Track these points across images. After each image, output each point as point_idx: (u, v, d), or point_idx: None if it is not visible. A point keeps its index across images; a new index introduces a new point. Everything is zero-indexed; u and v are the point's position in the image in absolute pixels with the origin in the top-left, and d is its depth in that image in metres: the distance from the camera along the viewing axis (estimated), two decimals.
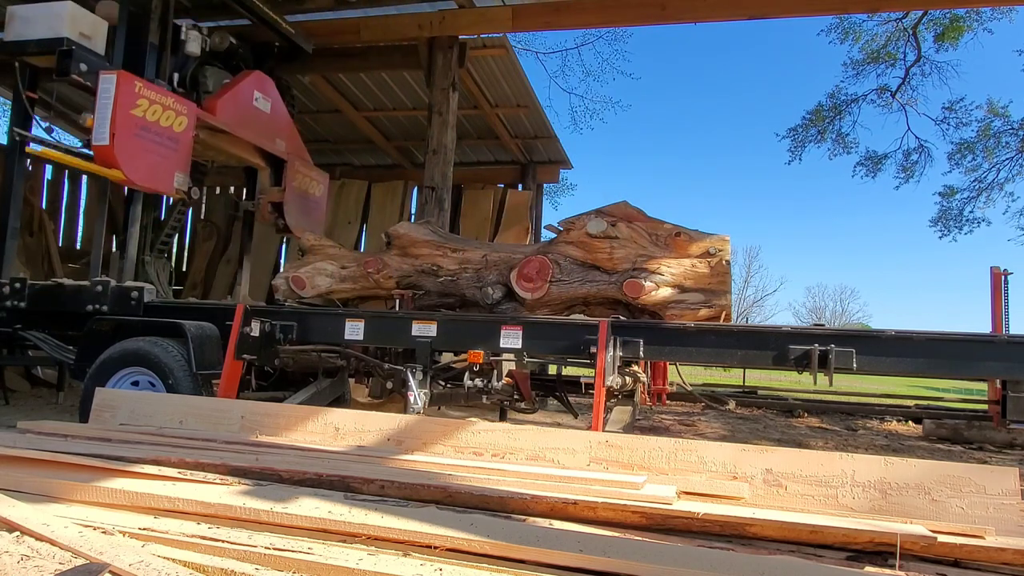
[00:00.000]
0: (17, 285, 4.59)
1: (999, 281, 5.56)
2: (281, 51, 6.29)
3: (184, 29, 5.05)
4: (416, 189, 9.37)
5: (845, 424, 8.13)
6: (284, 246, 9.88)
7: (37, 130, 4.87)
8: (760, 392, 10.30)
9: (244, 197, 6.29)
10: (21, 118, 4.71)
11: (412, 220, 9.46)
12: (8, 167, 4.90)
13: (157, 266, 6.20)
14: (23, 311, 4.55)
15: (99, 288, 4.41)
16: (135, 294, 4.37)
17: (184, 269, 10.22)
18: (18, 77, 4.41)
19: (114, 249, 9.96)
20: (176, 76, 5.07)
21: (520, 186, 9.82)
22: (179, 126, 4.70)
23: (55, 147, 4.54)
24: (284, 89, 6.40)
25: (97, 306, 4.36)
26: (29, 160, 9.03)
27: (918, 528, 1.97)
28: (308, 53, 6.34)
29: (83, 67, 4.24)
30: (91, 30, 4.41)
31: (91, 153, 4.32)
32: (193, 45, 5.10)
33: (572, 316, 3.92)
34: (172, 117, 4.63)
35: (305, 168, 6.28)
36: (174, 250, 10.53)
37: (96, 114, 4.21)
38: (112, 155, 4.19)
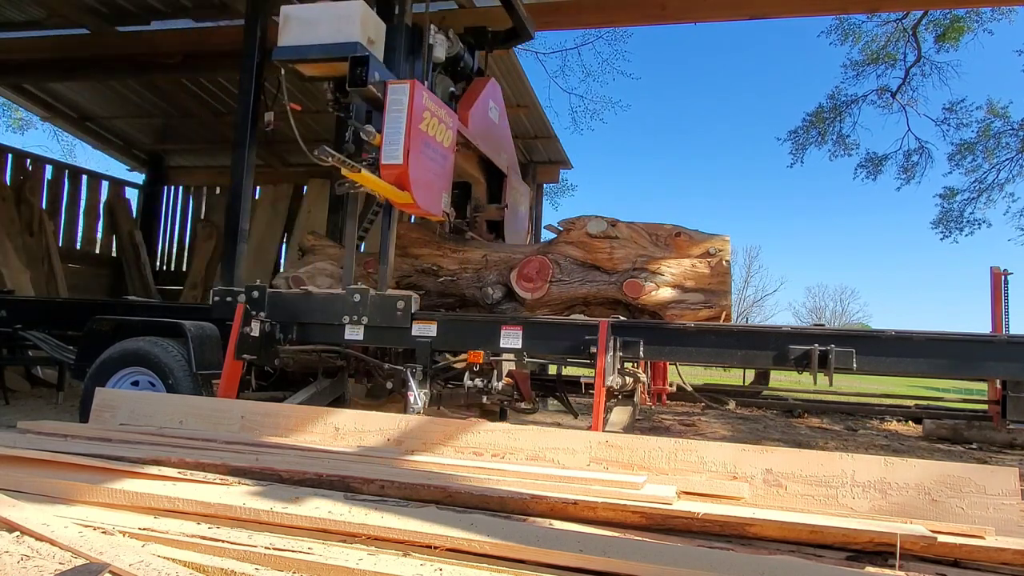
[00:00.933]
0: (255, 294, 4.06)
1: (999, 281, 5.57)
2: (496, 36, 5.35)
3: (432, 31, 4.36)
4: None
5: (845, 424, 8.13)
6: (284, 246, 9.87)
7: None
8: (760, 392, 10.30)
9: (455, 216, 5.13)
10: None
11: (412, 219, 9.48)
12: (234, 201, 4.35)
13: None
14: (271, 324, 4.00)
15: (356, 297, 3.89)
16: (401, 304, 3.83)
17: (184, 269, 10.22)
18: (282, 85, 3.76)
19: (114, 253, 9.98)
20: (426, 84, 4.29)
21: None
22: (447, 140, 4.05)
23: (353, 166, 3.63)
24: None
25: (355, 317, 3.88)
26: (29, 160, 9.09)
27: (918, 528, 1.97)
28: (530, 35, 5.41)
29: (377, 76, 3.62)
30: (376, 35, 3.81)
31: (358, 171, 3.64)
32: (439, 50, 4.43)
33: (572, 316, 3.92)
34: (443, 131, 3.99)
35: (517, 182, 5.51)
36: (174, 250, 10.58)
37: (386, 129, 3.62)
38: (406, 176, 3.60)
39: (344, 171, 3.54)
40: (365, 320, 3.85)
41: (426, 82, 4.19)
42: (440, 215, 4.07)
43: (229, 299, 4.10)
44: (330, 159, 3.45)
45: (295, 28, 3.75)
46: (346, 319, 3.88)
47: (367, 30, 3.68)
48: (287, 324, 4.01)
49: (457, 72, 4.81)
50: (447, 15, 6.28)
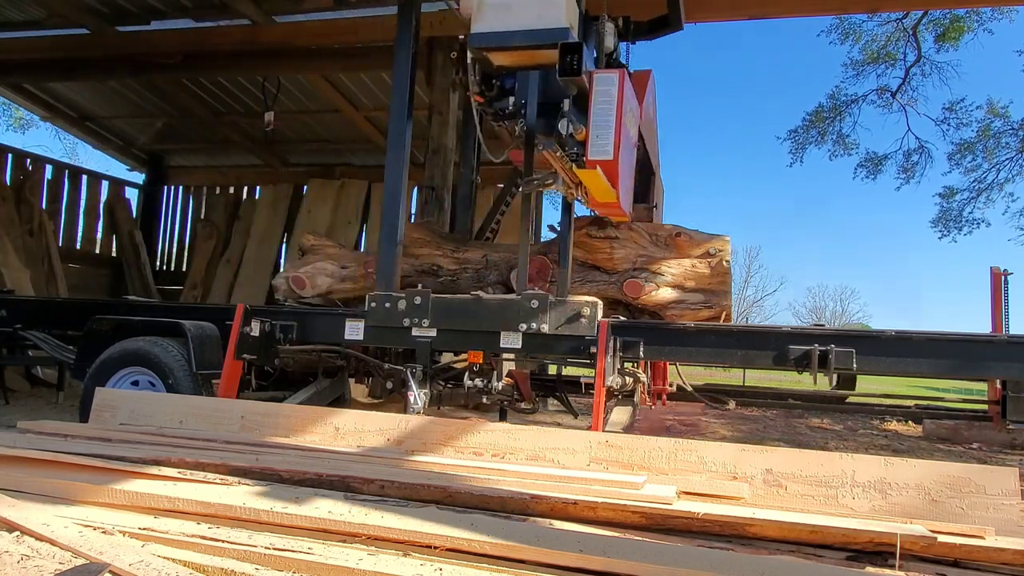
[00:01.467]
0: (417, 300, 3.80)
1: (999, 281, 5.56)
2: (640, 26, 4.80)
3: (603, 20, 3.99)
4: (416, 189, 9.37)
5: (845, 424, 8.13)
6: (284, 246, 9.88)
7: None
8: (760, 392, 10.28)
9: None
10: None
11: (412, 219, 9.48)
12: (391, 203, 4.09)
13: None
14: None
15: (534, 303, 3.60)
16: (587, 311, 3.55)
17: (184, 269, 10.22)
18: (471, 76, 3.46)
19: (114, 252, 9.97)
20: None
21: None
22: (635, 135, 3.78)
23: (562, 159, 3.40)
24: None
25: (535, 325, 3.58)
26: (29, 160, 9.08)
27: (918, 528, 1.97)
28: (680, 25, 4.79)
29: (587, 65, 3.33)
30: (574, 20, 3.49)
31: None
32: (610, 40, 4.02)
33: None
34: (634, 125, 3.71)
35: (659, 180, 5.14)
36: (174, 250, 10.58)
37: (593, 121, 3.33)
38: (616, 172, 3.30)
39: (564, 169, 3.32)
40: (545, 327, 3.58)
41: None
42: (627, 215, 3.78)
43: (388, 305, 3.84)
44: (555, 155, 3.27)
45: (491, 13, 3.45)
46: (523, 326, 3.61)
47: (570, 15, 3.40)
48: (450, 332, 3.78)
49: (611, 63, 4.37)
50: (447, 15, 6.28)
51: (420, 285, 4.45)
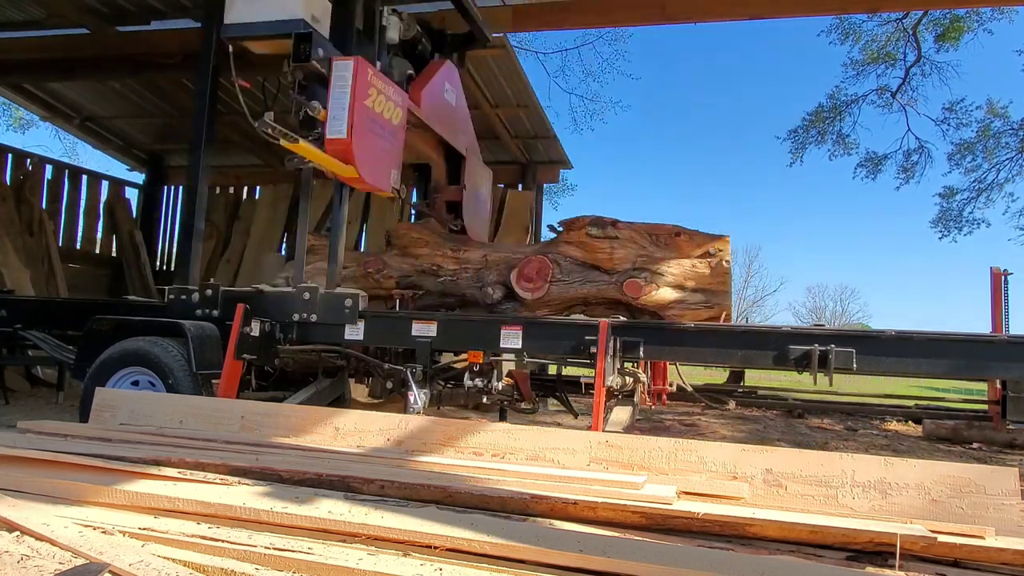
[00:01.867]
0: (208, 292, 4.23)
1: (999, 281, 5.54)
2: (456, 39, 5.57)
3: (384, 14, 4.51)
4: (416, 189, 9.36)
5: (845, 424, 8.14)
6: (284, 246, 9.88)
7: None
8: (760, 392, 10.29)
9: (415, 196, 5.62)
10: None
11: (412, 219, 9.48)
12: (190, 197, 4.47)
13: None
14: (216, 320, 4.13)
15: (306, 295, 4.04)
16: (349, 302, 3.97)
17: None
18: (232, 65, 3.83)
19: (114, 252, 9.98)
20: (378, 65, 4.44)
21: (520, 186, 9.82)
22: (396, 118, 4.17)
23: (294, 138, 3.75)
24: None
25: (304, 316, 4.01)
26: (29, 160, 9.08)
27: (918, 528, 1.97)
28: (487, 40, 5.60)
29: (320, 52, 3.77)
30: (321, 13, 3.92)
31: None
32: (393, 32, 4.56)
33: (572, 316, 3.92)
34: (391, 109, 4.11)
35: (477, 164, 5.67)
36: (174, 250, 10.57)
37: (331, 104, 3.74)
38: (350, 150, 3.73)
39: (283, 143, 3.64)
40: (315, 317, 4.01)
41: (379, 62, 4.33)
42: (389, 191, 4.18)
43: (184, 297, 4.26)
44: (269, 130, 3.56)
45: (240, 5, 3.86)
46: (297, 317, 4.02)
47: (311, 7, 3.80)
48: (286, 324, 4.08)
49: (415, 56, 4.97)
50: (447, 15, 6.28)
51: (419, 286, 4.46)
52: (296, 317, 4.02)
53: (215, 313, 4.15)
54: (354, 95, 3.74)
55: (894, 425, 8.15)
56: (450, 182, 5.37)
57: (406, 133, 4.46)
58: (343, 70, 3.77)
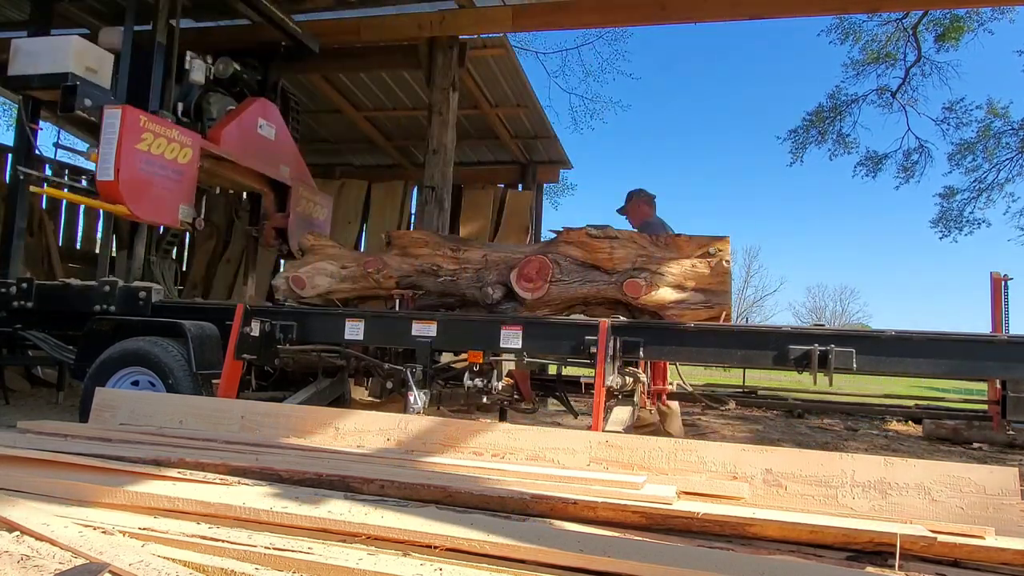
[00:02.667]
0: (24, 285, 4.58)
1: (999, 286, 5.50)
2: (287, 51, 6.16)
3: (188, 58, 5.07)
4: (416, 189, 9.37)
5: (845, 424, 8.14)
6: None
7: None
8: (760, 392, 10.29)
9: (249, 222, 6.31)
10: (24, 153, 4.68)
11: (412, 220, 9.48)
12: (11, 202, 4.95)
13: (163, 266, 6.12)
14: (30, 311, 4.55)
15: (106, 288, 4.39)
16: (143, 294, 4.35)
17: (184, 269, 10.21)
18: (22, 111, 4.38)
19: (114, 251, 9.98)
20: (180, 105, 5.04)
21: (520, 186, 9.82)
22: (184, 157, 4.65)
23: (58, 184, 4.50)
24: (287, 100, 6.34)
25: (104, 306, 4.35)
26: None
27: (918, 528, 1.97)
28: (315, 52, 6.24)
29: (87, 102, 4.22)
30: (97, 64, 4.39)
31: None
32: (197, 74, 5.10)
33: (572, 316, 3.92)
34: (177, 149, 4.59)
35: (309, 193, 6.25)
36: (174, 250, 10.58)
37: (101, 149, 4.16)
38: (117, 191, 4.15)
39: (47, 191, 4.34)
40: (113, 308, 4.36)
41: (181, 104, 5.02)
42: (175, 223, 4.68)
43: (4, 291, 4.64)
44: (24, 176, 4.37)
45: (22, 59, 4.41)
46: (98, 307, 4.35)
47: (84, 60, 4.30)
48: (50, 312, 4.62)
49: (237, 93, 5.65)
50: (447, 15, 6.29)
51: (419, 285, 4.46)
52: (97, 308, 4.34)
53: (29, 305, 4.57)
54: (121, 140, 4.13)
55: (894, 425, 8.15)
56: (279, 210, 5.99)
57: (218, 167, 5.25)
58: (112, 118, 4.16)
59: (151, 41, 4.72)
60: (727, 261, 3.83)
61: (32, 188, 4.50)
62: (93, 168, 4.26)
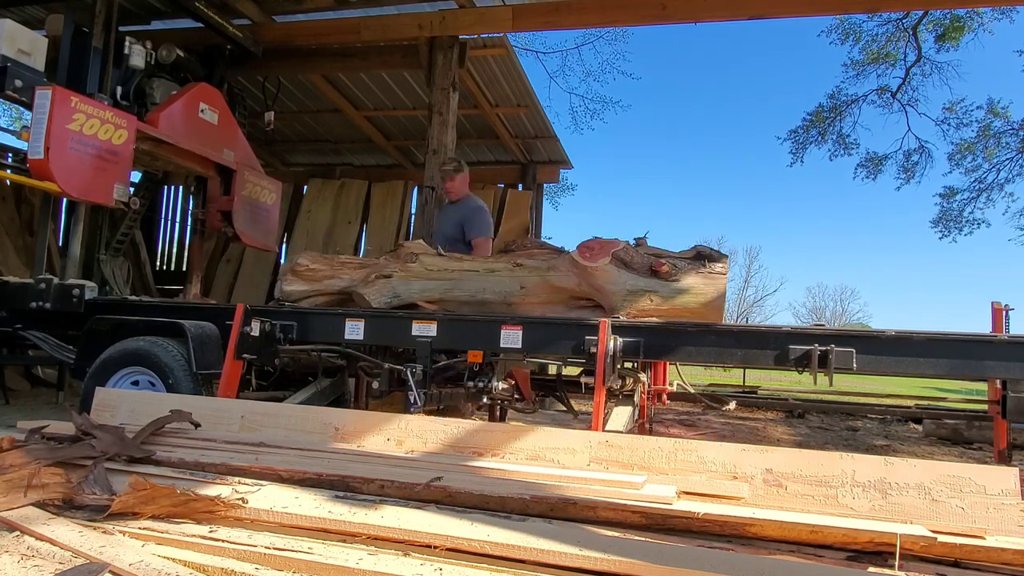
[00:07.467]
0: None
1: (1000, 317, 5.42)
2: (232, 54, 6.49)
3: (128, 43, 5.26)
4: (416, 189, 9.37)
5: (845, 424, 8.14)
6: (284, 246, 9.89)
7: None
8: (760, 392, 10.31)
9: (194, 205, 6.49)
10: None
11: (412, 219, 9.48)
12: None
13: (113, 265, 6.29)
14: None
15: (42, 286, 4.52)
16: (76, 291, 4.47)
17: (184, 269, 10.21)
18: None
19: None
20: (120, 89, 5.19)
21: (520, 186, 9.82)
22: (118, 139, 4.80)
23: None
24: (235, 96, 6.57)
25: (40, 303, 4.48)
26: None
27: (918, 528, 1.97)
28: (258, 55, 6.56)
29: (18, 83, 4.36)
30: (30, 47, 4.53)
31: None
32: (137, 59, 5.28)
33: (572, 316, 3.92)
34: (111, 130, 4.73)
35: (255, 177, 6.41)
36: (174, 250, 10.57)
37: (31, 128, 4.30)
38: (47, 168, 4.29)
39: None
40: (48, 305, 4.50)
41: (120, 88, 5.19)
42: (111, 202, 4.81)
43: None
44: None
45: None
46: (34, 304, 4.50)
47: (16, 43, 4.44)
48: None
49: (181, 79, 5.83)
50: (447, 15, 6.29)
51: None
52: (33, 305, 4.49)
53: None
54: (52, 120, 4.28)
55: (894, 425, 8.15)
56: (224, 193, 6.16)
57: (159, 149, 5.41)
58: (43, 98, 4.31)
59: (90, 25, 4.92)
60: (722, 293, 3.83)
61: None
62: (25, 147, 4.40)
